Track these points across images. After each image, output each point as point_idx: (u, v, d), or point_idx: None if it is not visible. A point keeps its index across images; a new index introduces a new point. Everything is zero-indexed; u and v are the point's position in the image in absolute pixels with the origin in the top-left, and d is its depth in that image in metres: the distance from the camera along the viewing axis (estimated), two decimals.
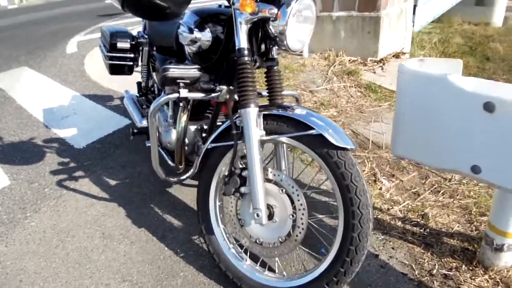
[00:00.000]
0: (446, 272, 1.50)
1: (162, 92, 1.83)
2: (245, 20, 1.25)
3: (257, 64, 1.36)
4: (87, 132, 2.93)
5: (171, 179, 1.73)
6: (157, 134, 1.88)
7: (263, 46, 1.43)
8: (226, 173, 1.37)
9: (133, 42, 2.22)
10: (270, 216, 1.32)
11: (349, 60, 4.17)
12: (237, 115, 1.33)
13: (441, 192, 2.09)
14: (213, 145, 1.43)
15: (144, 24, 2.30)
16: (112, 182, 2.26)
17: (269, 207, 1.32)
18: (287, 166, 1.44)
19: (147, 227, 1.86)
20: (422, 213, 1.89)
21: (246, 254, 1.50)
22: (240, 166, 1.36)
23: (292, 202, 1.29)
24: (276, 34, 1.27)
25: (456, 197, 2.04)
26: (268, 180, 1.33)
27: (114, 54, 2.18)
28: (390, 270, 1.53)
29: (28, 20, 10.61)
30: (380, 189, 2.12)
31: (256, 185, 1.26)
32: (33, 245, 1.80)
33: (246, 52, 1.27)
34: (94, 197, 2.12)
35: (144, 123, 2.07)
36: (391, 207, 1.95)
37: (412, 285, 1.45)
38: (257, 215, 1.26)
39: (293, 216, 1.28)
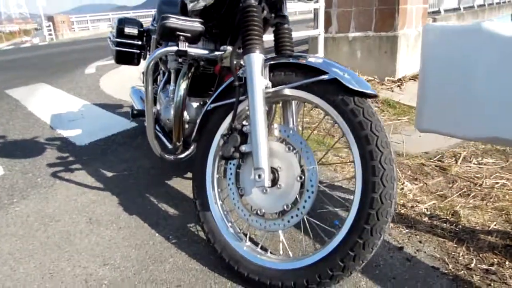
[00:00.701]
0: (487, 267, 1.24)
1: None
2: None
3: (265, 13, 1.23)
4: (92, 132, 2.82)
5: (167, 156, 1.56)
6: (156, 114, 1.76)
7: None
8: (225, 132, 1.19)
9: (142, 29, 2.15)
10: (274, 182, 1.12)
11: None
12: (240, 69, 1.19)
13: (471, 196, 1.84)
14: (213, 105, 1.27)
15: (154, 16, 2.25)
16: (109, 174, 2.10)
17: (273, 170, 1.13)
18: (295, 124, 1.26)
19: (139, 214, 1.67)
20: (452, 211, 1.65)
21: (246, 235, 1.29)
22: (242, 123, 1.19)
23: (301, 162, 1.10)
24: None
25: (489, 200, 1.79)
26: (273, 140, 1.15)
27: (121, 40, 2.11)
28: (417, 263, 1.28)
29: (55, 52, 11.10)
30: (402, 189, 1.90)
31: (258, 140, 1.08)
32: (13, 228, 1.62)
33: None
34: (87, 187, 1.96)
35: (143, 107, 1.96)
36: (415, 205, 1.71)
37: (446, 279, 1.20)
38: (259, 176, 1.07)
39: (301, 178, 1.08)
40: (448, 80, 1.26)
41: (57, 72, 6.22)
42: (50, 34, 20.26)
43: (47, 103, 3.92)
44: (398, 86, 3.92)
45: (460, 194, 1.87)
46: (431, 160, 2.28)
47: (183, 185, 1.93)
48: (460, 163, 2.21)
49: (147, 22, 2.42)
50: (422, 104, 1.36)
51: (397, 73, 4.01)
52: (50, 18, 21.15)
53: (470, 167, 2.17)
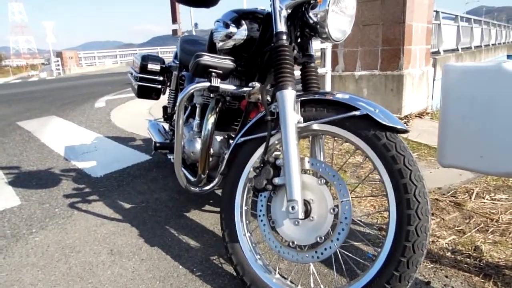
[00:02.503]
0: None
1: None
2: (285, 5, 1.23)
3: (295, 52, 1.30)
4: (106, 164, 2.86)
5: (192, 188, 1.59)
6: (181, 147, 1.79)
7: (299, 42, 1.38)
8: (257, 165, 1.22)
9: (164, 66, 2.24)
10: (307, 213, 1.14)
11: None
12: (272, 104, 1.24)
13: (489, 231, 1.85)
14: (243, 139, 1.32)
15: (176, 52, 2.35)
16: (127, 206, 2.11)
17: (305, 203, 1.15)
18: (324, 158, 1.29)
19: (160, 246, 1.66)
20: (474, 246, 1.65)
21: (275, 269, 1.29)
22: (274, 156, 1.23)
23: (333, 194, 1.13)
24: (316, 21, 1.23)
25: (509, 236, 1.80)
26: (304, 173, 1.19)
27: (143, 76, 2.20)
28: None
29: (63, 86, 11.36)
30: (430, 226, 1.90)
31: (292, 173, 1.11)
32: (33, 258, 1.62)
33: (284, 36, 1.22)
34: (105, 218, 1.97)
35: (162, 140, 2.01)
36: (436, 240, 1.72)
37: None
38: (292, 208, 1.10)
39: (334, 210, 1.10)
40: (469, 116, 1.31)
41: (67, 105, 6.35)
42: (58, 69, 20.77)
43: (59, 135, 3.98)
44: (405, 123, 3.99)
45: (478, 229, 1.87)
46: (445, 196, 2.29)
47: (202, 217, 1.93)
48: (474, 199, 2.23)
49: None
50: (443, 140, 1.40)
51: (403, 110, 4.10)
52: (59, 54, 21.77)
53: (484, 203, 2.19)
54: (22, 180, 2.63)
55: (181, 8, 14.51)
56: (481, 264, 1.49)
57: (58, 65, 20.96)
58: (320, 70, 4.30)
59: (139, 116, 4.79)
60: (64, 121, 4.79)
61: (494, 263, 1.51)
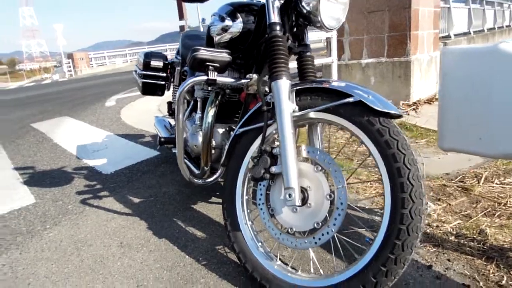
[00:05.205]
0: None
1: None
2: None
3: (289, 42, 1.31)
4: (117, 161, 2.92)
5: (196, 180, 1.62)
6: (183, 141, 1.83)
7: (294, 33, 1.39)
8: (256, 155, 1.25)
9: (166, 62, 2.27)
10: (304, 200, 1.17)
11: None
12: (268, 94, 1.26)
13: (496, 215, 1.84)
14: (241, 130, 1.34)
15: (178, 49, 2.38)
16: (136, 200, 2.17)
17: (302, 190, 1.17)
18: (322, 147, 1.31)
19: (167, 238, 1.71)
20: (478, 230, 1.65)
21: (276, 256, 1.32)
22: (271, 146, 1.25)
23: (330, 181, 1.14)
24: (309, 10, 1.24)
25: None
26: (301, 161, 1.21)
27: (147, 73, 2.24)
28: (448, 281, 1.28)
29: (75, 87, 11.55)
30: (425, 209, 1.90)
31: (288, 161, 1.13)
32: (47, 252, 1.69)
33: (278, 27, 1.24)
34: (116, 212, 2.02)
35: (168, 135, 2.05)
36: (440, 225, 1.72)
37: None
38: (290, 195, 1.12)
39: (330, 196, 1.12)
40: (467, 99, 1.31)
41: (79, 105, 6.47)
42: (69, 71, 21.10)
43: (72, 135, 4.08)
44: (414, 109, 3.95)
45: (485, 213, 1.86)
46: (453, 181, 2.28)
47: (208, 209, 1.97)
48: (483, 183, 2.21)
49: None
50: (443, 123, 1.40)
51: (411, 96, 4.06)
52: (70, 56, 22.10)
53: (493, 187, 2.17)
54: (37, 179, 2.72)
55: (187, 4, 14.54)
56: (485, 248, 1.49)
57: (70, 66, 21.28)
58: (326, 60, 4.27)
59: (148, 113, 4.86)
60: (76, 121, 4.90)
61: (498, 246, 1.50)
